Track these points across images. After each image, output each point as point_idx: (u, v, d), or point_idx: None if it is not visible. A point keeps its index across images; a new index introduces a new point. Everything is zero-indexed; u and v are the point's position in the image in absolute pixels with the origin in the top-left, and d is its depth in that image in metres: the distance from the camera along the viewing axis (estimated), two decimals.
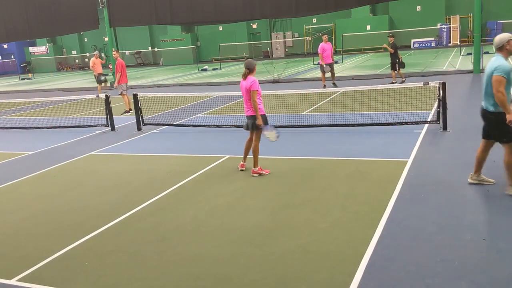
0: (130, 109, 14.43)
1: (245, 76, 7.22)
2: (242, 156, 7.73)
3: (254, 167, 7.32)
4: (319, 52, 16.86)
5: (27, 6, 22.68)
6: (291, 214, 5.70)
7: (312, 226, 5.29)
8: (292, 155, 7.70)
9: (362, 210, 5.63)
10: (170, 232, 5.47)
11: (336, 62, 28.53)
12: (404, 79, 16.44)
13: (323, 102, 13.73)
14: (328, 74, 16.93)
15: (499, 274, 4.02)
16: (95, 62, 20.10)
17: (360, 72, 21.44)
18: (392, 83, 15.88)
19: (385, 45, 16.55)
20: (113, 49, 16.32)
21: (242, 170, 7.59)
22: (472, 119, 10.13)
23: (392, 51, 16.17)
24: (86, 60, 46.86)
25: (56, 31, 24.56)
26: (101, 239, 5.46)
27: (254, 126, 7.26)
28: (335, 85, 16.70)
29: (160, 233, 5.47)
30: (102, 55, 45.52)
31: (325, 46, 16.71)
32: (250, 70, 7.21)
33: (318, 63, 17.45)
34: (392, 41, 16.46)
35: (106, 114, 12.17)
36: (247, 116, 7.42)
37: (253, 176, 7.28)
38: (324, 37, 17.24)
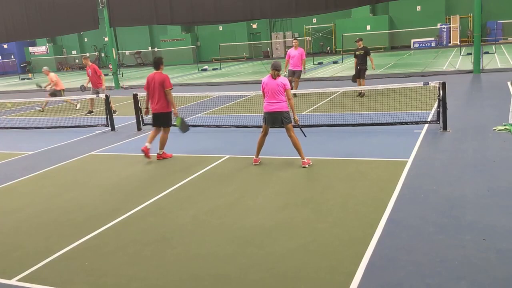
0: (92, 111, 15.34)
1: (275, 77, 7.58)
2: (255, 152, 7.93)
3: (303, 158, 7.59)
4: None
5: (27, 6, 22.66)
6: (291, 214, 5.70)
7: (312, 226, 5.29)
8: (292, 155, 7.71)
9: (362, 210, 5.63)
10: (170, 232, 5.47)
11: (336, 62, 28.70)
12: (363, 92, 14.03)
13: (323, 102, 13.73)
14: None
15: (499, 274, 4.01)
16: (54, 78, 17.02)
17: None
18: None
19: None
20: (83, 57, 16.62)
21: (255, 165, 7.82)
22: (472, 119, 10.14)
23: (372, 58, 14.57)
24: None
25: (56, 31, 24.57)
26: (101, 239, 5.45)
27: (285, 121, 7.61)
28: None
29: (160, 233, 5.47)
30: (102, 54, 45.68)
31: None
32: (279, 70, 7.60)
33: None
34: (361, 45, 14.45)
35: (106, 114, 12.18)
36: (274, 112, 7.61)
37: (304, 167, 7.51)
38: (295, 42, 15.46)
